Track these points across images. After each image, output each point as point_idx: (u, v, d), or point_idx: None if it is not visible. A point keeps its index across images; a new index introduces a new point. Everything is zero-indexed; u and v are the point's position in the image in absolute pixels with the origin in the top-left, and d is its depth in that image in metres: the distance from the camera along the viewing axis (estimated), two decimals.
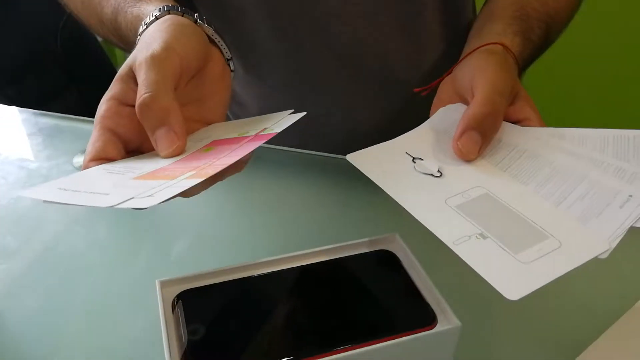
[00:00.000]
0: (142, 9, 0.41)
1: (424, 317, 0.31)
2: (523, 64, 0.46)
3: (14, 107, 0.63)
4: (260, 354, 0.29)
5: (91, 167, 0.32)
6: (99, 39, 1.29)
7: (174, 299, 0.32)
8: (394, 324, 0.31)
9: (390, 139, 0.39)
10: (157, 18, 0.38)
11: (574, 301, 0.40)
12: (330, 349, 0.29)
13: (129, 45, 0.44)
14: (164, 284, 0.32)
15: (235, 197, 0.48)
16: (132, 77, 0.35)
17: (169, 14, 0.38)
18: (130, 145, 0.35)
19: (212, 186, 0.31)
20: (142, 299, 0.35)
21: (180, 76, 0.35)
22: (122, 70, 0.35)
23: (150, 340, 0.32)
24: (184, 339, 0.29)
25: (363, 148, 0.38)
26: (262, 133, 0.33)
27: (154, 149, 0.34)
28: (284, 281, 0.33)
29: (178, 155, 0.33)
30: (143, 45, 0.36)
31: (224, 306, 0.32)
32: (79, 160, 0.52)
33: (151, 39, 0.36)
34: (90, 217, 0.47)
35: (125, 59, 0.37)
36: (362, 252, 0.35)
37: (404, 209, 0.32)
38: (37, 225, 0.46)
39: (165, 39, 0.35)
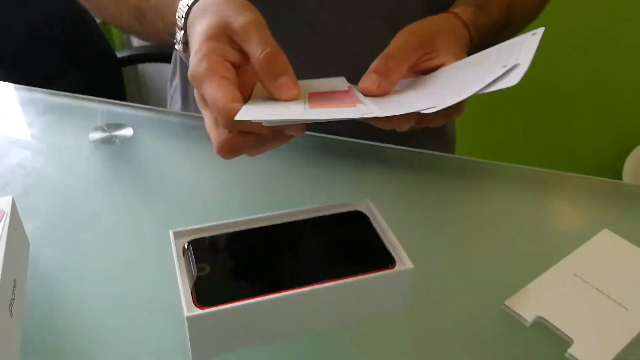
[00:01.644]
0: None
1: (385, 261, 0.39)
2: (477, 30, 0.52)
3: (29, 86, 0.69)
4: (252, 286, 0.36)
5: (238, 108, 0.35)
6: (98, 20, 1.34)
7: (184, 245, 0.39)
8: (360, 265, 0.38)
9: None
10: None
11: (509, 249, 0.48)
12: (309, 283, 0.36)
13: (149, 25, 0.50)
14: (176, 234, 0.40)
15: (238, 173, 0.56)
16: (227, 38, 0.40)
17: None
18: None
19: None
20: (159, 250, 0.42)
21: None
22: (211, 31, 0.40)
23: (167, 281, 0.39)
24: (194, 275, 0.37)
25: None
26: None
27: None
28: (274, 232, 0.41)
29: (295, 100, 0.39)
30: (220, 11, 0.41)
31: (224, 251, 0.40)
32: (94, 135, 0.59)
33: (226, 6, 0.41)
34: (107, 182, 0.54)
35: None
36: (340, 211, 0.43)
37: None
38: (59, 189, 0.53)
39: (246, 6, 0.41)
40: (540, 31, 0.39)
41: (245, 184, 0.54)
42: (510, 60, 0.37)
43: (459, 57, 0.45)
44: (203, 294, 0.35)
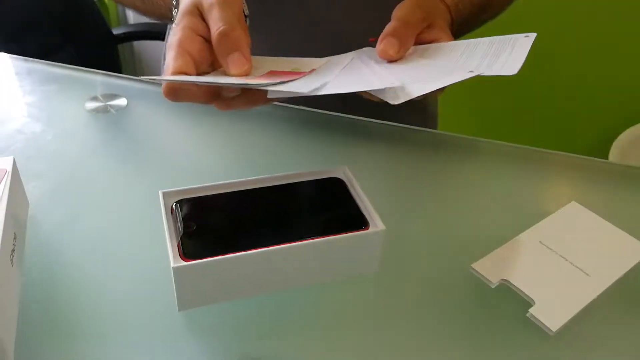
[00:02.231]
0: None
1: (359, 223, 0.41)
2: (458, 12, 0.56)
3: (28, 58, 0.72)
4: (233, 243, 0.39)
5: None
6: None
7: (172, 204, 0.42)
8: (336, 226, 0.41)
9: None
10: None
11: (480, 218, 0.51)
12: (286, 241, 0.39)
13: (150, 2, 0.53)
14: (165, 194, 0.42)
15: (226, 140, 0.59)
16: (198, 13, 0.43)
17: None
18: (199, 68, 0.43)
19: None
20: (150, 210, 0.45)
21: (240, 16, 0.43)
22: (187, 7, 0.44)
23: (156, 238, 0.42)
24: (180, 231, 0.40)
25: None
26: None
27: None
28: (257, 195, 0.44)
29: (245, 75, 0.42)
30: None
31: (209, 211, 0.42)
32: (90, 105, 0.61)
33: None
34: (102, 147, 0.57)
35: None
36: (319, 177, 0.46)
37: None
38: (57, 153, 0.55)
39: None
40: (533, 35, 0.42)
41: (231, 152, 0.57)
42: (499, 60, 0.40)
43: (449, 35, 0.48)
44: (188, 248, 0.38)
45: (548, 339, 0.41)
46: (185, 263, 0.37)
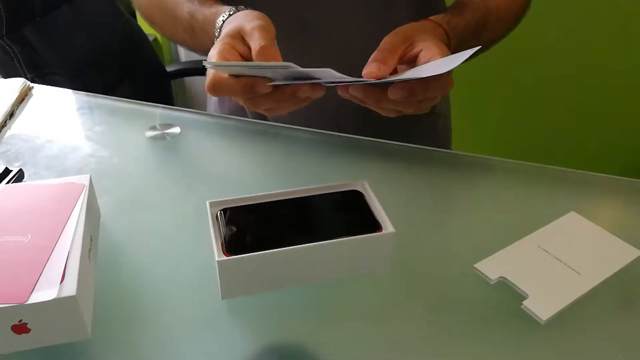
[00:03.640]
0: (219, 8, 0.62)
1: (373, 227, 0.49)
2: (451, 28, 0.63)
3: (94, 94, 0.83)
4: (268, 242, 0.47)
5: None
6: (150, 38, 1.49)
7: (217, 212, 0.50)
8: (353, 230, 0.49)
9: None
10: (237, 10, 0.59)
11: (486, 226, 0.57)
12: (312, 241, 0.47)
13: (197, 39, 0.64)
14: (211, 204, 0.51)
15: (261, 160, 0.68)
16: (239, 37, 0.54)
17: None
18: None
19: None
20: (200, 218, 0.54)
21: (274, 38, 0.54)
22: (230, 31, 0.55)
23: (205, 240, 0.51)
24: (223, 233, 0.48)
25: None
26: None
27: None
28: (287, 204, 0.51)
29: None
30: (240, 20, 0.55)
31: (247, 217, 0.51)
32: (149, 133, 0.72)
33: (245, 18, 0.56)
34: (160, 169, 0.67)
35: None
36: (341, 190, 0.53)
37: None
38: (122, 173, 0.65)
39: (260, 17, 0.55)
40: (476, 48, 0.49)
41: (265, 169, 0.66)
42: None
43: (435, 43, 0.55)
44: (230, 246, 0.46)
45: (540, 327, 0.47)
46: (226, 258, 0.45)
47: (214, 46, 0.54)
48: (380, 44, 0.56)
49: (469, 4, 0.68)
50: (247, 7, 0.68)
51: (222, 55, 0.52)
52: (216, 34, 0.60)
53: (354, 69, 0.75)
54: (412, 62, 0.56)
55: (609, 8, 1.36)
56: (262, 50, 0.51)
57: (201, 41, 0.66)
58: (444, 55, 0.53)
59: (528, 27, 0.81)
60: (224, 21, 0.59)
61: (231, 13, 0.60)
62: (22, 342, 0.43)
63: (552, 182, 0.65)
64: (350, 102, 0.78)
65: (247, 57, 0.53)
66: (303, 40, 0.74)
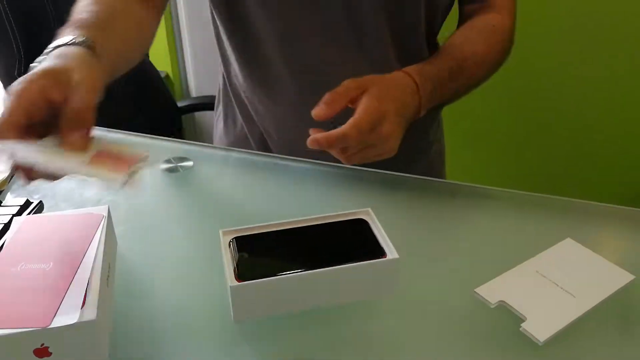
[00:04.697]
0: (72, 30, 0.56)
1: (378, 253, 0.51)
2: (422, 76, 0.67)
3: (109, 128, 0.87)
4: (277, 268, 0.50)
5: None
6: (162, 74, 1.55)
7: (230, 240, 0.53)
8: (359, 256, 0.51)
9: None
10: (83, 42, 0.53)
11: (485, 252, 0.60)
12: (320, 267, 0.50)
13: None
14: (224, 233, 0.54)
15: (271, 191, 0.71)
16: (56, 79, 0.47)
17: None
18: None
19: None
20: (212, 246, 0.56)
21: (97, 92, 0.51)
22: (50, 67, 0.48)
23: (217, 267, 0.53)
24: (235, 259, 0.51)
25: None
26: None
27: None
28: (297, 232, 0.54)
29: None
30: (75, 61, 0.50)
31: (258, 245, 0.53)
32: (164, 165, 0.75)
33: (83, 61, 0.51)
34: (174, 199, 0.70)
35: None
36: (347, 218, 0.56)
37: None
38: (138, 204, 0.69)
39: (98, 69, 0.52)
40: None
41: (277, 200, 0.69)
42: None
43: (375, 95, 0.61)
44: (241, 272, 0.49)
45: (538, 348, 0.49)
46: (239, 283, 0.48)
47: (20, 80, 0.47)
48: (338, 86, 0.61)
49: (445, 52, 0.73)
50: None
51: (24, 100, 0.46)
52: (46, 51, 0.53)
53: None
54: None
55: (608, 36, 1.39)
56: (73, 115, 0.47)
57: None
58: (377, 104, 0.60)
59: (523, 52, 0.84)
60: (57, 46, 0.53)
61: (74, 41, 0.53)
62: None
63: (548, 210, 0.68)
64: None
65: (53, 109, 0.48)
66: (299, 76, 0.78)
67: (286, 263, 0.51)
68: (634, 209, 0.67)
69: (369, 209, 0.57)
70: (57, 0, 1.28)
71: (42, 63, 0.50)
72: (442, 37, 0.81)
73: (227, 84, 0.90)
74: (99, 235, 0.54)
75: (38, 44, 1.26)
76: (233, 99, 0.90)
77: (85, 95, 0.48)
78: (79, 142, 0.47)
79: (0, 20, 1.22)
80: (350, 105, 0.62)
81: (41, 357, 0.45)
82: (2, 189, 0.72)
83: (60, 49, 0.53)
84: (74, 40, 0.53)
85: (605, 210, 0.67)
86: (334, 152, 0.61)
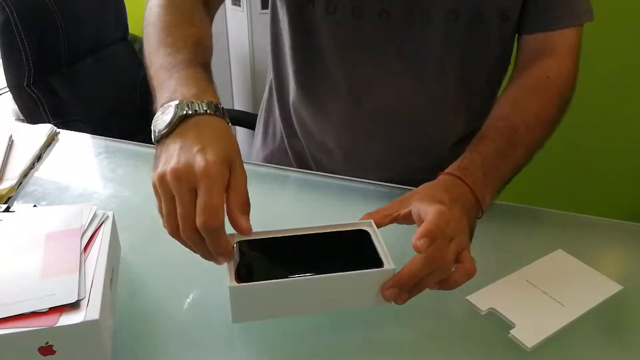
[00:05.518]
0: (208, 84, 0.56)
1: (376, 264, 0.52)
2: (465, 169, 0.61)
3: (117, 139, 0.89)
4: (277, 272, 0.51)
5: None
6: None
7: (234, 244, 0.55)
8: (359, 265, 0.52)
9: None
10: (218, 110, 0.53)
11: (479, 262, 0.61)
12: (320, 274, 0.51)
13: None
14: (229, 236, 0.55)
15: (276, 201, 0.73)
16: (227, 167, 0.50)
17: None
18: None
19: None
20: None
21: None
22: (223, 155, 0.49)
23: (219, 273, 0.55)
24: (236, 262, 0.52)
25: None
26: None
27: None
28: (298, 240, 0.55)
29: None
30: (229, 145, 0.51)
31: (261, 248, 0.54)
32: None
33: (233, 145, 0.52)
34: None
35: None
36: (350, 229, 0.58)
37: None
38: (141, 212, 0.71)
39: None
40: None
41: (281, 209, 0.71)
42: None
43: (424, 200, 0.56)
44: (242, 275, 0.51)
45: (526, 354, 0.51)
46: (238, 285, 0.50)
47: (204, 162, 0.48)
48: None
49: (491, 130, 0.66)
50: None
51: (221, 186, 0.49)
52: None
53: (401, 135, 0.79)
54: (406, 220, 0.57)
55: (609, 44, 1.40)
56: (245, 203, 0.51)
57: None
58: (429, 200, 0.55)
59: None
60: (199, 112, 0.52)
61: (209, 111, 0.52)
62: None
63: (541, 222, 0.70)
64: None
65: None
66: (349, 97, 0.80)
67: (287, 268, 0.52)
68: (626, 222, 0.69)
69: (372, 221, 0.57)
70: (66, 14, 1.31)
71: (205, 138, 0.51)
72: None
73: (274, 96, 0.91)
74: (102, 237, 0.56)
75: (45, 56, 1.29)
76: (278, 111, 0.91)
77: (244, 184, 0.52)
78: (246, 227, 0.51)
79: (10, 32, 1.26)
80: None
81: (45, 355, 0.47)
82: (10, 196, 0.74)
83: (210, 121, 0.52)
84: (214, 111, 0.53)
85: (598, 223, 0.69)
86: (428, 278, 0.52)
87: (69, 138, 0.90)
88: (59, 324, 0.46)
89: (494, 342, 0.53)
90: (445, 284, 0.52)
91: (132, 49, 1.53)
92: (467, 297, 0.56)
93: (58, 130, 0.90)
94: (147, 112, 1.45)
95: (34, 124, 0.92)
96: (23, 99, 1.32)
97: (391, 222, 0.58)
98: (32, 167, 0.81)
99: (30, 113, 1.33)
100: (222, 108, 0.54)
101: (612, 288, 0.58)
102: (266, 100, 0.96)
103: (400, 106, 0.80)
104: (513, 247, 0.65)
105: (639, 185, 1.53)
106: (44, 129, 0.88)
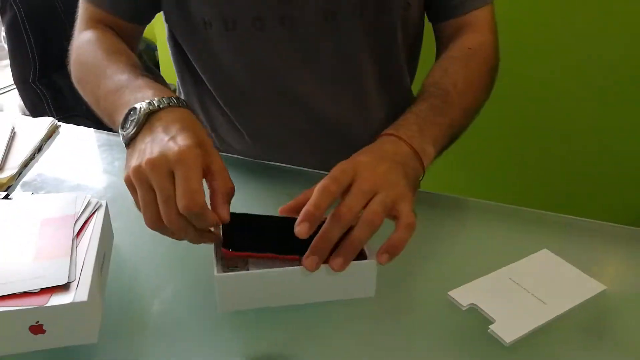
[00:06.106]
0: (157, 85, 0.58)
1: (359, 255, 0.53)
2: (400, 127, 0.61)
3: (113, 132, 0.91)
4: (261, 247, 0.52)
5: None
6: (172, 88, 1.60)
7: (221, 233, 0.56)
8: None
9: None
10: (177, 103, 0.54)
11: (463, 260, 0.62)
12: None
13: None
14: (216, 227, 0.57)
15: (264, 194, 0.74)
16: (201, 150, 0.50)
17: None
18: None
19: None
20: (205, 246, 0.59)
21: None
22: (195, 139, 0.50)
23: (206, 259, 0.56)
24: (221, 237, 0.53)
25: None
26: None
27: None
28: (283, 223, 0.54)
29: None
30: (198, 131, 0.52)
31: (243, 225, 0.55)
32: None
33: (201, 129, 0.53)
34: None
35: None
36: None
37: None
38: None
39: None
40: None
41: (272, 201, 0.72)
42: None
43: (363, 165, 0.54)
44: (233, 243, 0.52)
45: (504, 349, 0.52)
46: (224, 274, 0.51)
47: (182, 145, 0.49)
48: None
49: (423, 94, 0.68)
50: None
51: (199, 171, 0.49)
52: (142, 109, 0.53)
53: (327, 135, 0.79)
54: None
55: (606, 47, 1.41)
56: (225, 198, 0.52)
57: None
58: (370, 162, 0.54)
59: (508, 62, 0.82)
60: (161, 106, 0.53)
61: (171, 104, 0.54)
62: (37, 343, 0.49)
63: (527, 222, 0.71)
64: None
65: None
66: (281, 107, 0.81)
67: (270, 245, 0.53)
68: (614, 224, 0.70)
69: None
70: (72, 12, 1.33)
71: (177, 125, 0.52)
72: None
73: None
74: (94, 223, 0.57)
75: (51, 53, 1.32)
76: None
77: (224, 167, 0.53)
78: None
79: (17, 29, 1.28)
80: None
81: (36, 334, 0.48)
82: (10, 185, 0.76)
83: (175, 111, 0.54)
84: (177, 103, 0.55)
85: (584, 224, 0.70)
86: (333, 231, 0.50)
87: (69, 131, 0.91)
88: (49, 304, 0.47)
89: (474, 337, 0.53)
90: (390, 246, 0.50)
91: None
92: (449, 293, 0.57)
93: (59, 123, 0.92)
94: None
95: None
96: (28, 95, 1.35)
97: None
98: (32, 158, 0.83)
99: (34, 108, 1.35)
100: (184, 100, 0.56)
101: (595, 288, 0.59)
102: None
103: (321, 109, 0.80)
104: (499, 246, 0.66)
105: (634, 189, 1.54)
106: (45, 122, 0.90)
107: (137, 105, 0.54)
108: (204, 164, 0.50)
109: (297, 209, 0.51)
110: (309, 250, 0.50)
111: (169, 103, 0.54)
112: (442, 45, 0.79)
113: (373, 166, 0.53)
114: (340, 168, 0.52)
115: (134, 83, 0.59)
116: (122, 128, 0.55)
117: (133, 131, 0.53)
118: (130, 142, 0.54)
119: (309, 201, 0.50)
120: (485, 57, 0.74)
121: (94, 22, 0.76)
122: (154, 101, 0.54)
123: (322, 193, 0.50)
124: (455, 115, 0.67)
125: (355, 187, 0.51)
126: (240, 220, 0.55)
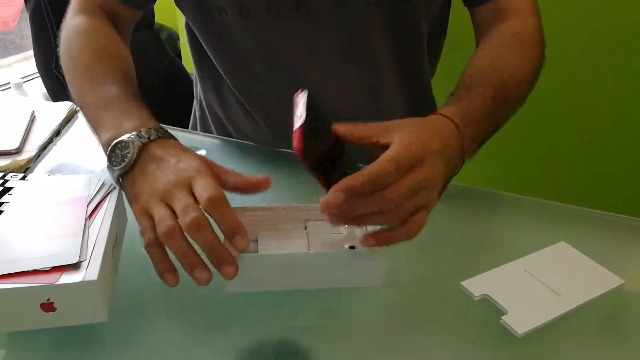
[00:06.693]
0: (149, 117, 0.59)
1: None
2: (464, 120, 0.55)
3: None
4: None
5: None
6: (192, 77, 1.61)
7: None
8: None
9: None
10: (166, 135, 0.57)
11: (478, 250, 0.61)
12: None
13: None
14: None
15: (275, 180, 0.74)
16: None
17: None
18: None
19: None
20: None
21: None
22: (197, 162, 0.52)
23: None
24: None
25: None
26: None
27: None
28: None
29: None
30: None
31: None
32: None
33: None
34: None
35: None
36: None
37: None
38: None
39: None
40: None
41: (283, 187, 0.72)
42: None
43: (415, 133, 0.50)
44: None
45: (517, 341, 0.51)
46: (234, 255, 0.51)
47: (194, 165, 0.51)
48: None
49: (479, 81, 0.61)
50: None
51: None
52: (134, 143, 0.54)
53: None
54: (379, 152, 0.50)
55: (614, 41, 1.37)
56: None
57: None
58: (415, 138, 0.49)
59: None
60: (152, 138, 0.55)
61: (159, 135, 0.56)
62: (48, 320, 0.49)
63: (545, 214, 0.69)
64: None
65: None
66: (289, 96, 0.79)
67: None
68: (633, 218, 0.68)
69: None
70: None
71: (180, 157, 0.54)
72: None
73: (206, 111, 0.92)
74: (107, 205, 0.57)
75: None
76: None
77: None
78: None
79: (41, 17, 1.30)
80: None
81: (47, 311, 0.49)
82: (28, 167, 0.77)
83: (168, 141, 0.56)
84: (164, 135, 0.57)
85: (603, 217, 0.68)
86: (364, 208, 0.47)
87: None
88: (59, 282, 0.48)
89: (486, 327, 0.53)
90: (382, 240, 0.49)
91: (158, 37, 1.56)
92: (461, 282, 0.56)
93: (77, 108, 0.93)
94: (170, 97, 1.48)
95: None
96: (50, 81, 1.36)
97: (364, 145, 0.52)
98: (50, 141, 0.83)
99: (56, 94, 1.37)
100: (168, 130, 0.58)
101: (612, 282, 0.57)
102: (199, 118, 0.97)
103: (333, 99, 0.79)
104: (515, 238, 0.65)
105: None
106: (64, 107, 0.91)
107: (126, 138, 0.55)
108: (216, 175, 0.52)
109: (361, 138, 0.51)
110: (337, 190, 0.46)
111: (157, 134, 0.56)
112: (480, 32, 0.73)
113: (437, 162, 0.50)
114: (409, 149, 0.48)
115: (121, 105, 0.61)
116: (111, 161, 0.56)
117: (129, 164, 0.54)
118: (125, 175, 0.55)
119: (362, 174, 0.46)
120: (535, 44, 0.68)
121: (90, 4, 0.76)
122: (143, 133, 0.55)
123: (379, 177, 0.46)
124: (506, 112, 0.63)
125: (411, 180, 0.47)
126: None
